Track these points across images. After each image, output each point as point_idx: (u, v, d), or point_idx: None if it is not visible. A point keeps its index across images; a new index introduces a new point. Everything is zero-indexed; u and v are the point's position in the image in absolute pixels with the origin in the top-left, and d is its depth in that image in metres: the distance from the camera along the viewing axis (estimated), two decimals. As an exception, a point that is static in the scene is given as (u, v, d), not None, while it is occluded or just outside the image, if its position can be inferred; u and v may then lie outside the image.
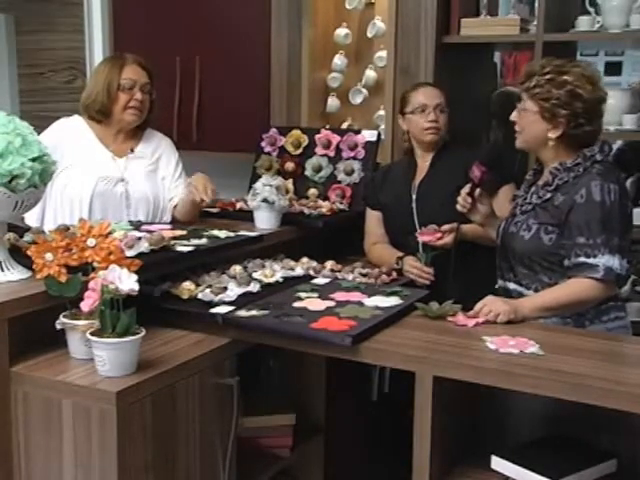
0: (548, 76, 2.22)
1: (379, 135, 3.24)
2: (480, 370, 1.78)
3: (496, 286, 2.42)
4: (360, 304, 2.15)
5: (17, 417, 1.83)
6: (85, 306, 1.79)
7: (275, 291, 2.24)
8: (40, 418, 1.80)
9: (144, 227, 2.46)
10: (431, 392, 1.81)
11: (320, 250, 2.77)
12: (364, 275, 2.60)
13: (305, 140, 3.29)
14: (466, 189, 2.45)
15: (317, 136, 3.28)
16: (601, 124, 2.30)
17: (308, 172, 3.26)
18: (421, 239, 2.67)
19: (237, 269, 2.37)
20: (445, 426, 1.88)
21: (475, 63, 3.56)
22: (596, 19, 3.14)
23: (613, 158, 2.29)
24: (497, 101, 3.75)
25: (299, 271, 2.45)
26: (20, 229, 2.30)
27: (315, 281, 2.39)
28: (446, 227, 2.60)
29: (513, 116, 2.31)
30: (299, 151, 3.29)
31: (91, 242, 1.94)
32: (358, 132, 3.25)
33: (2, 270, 1.96)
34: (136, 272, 1.84)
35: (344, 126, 3.56)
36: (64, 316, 1.86)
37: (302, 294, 2.22)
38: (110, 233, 2.04)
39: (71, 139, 2.76)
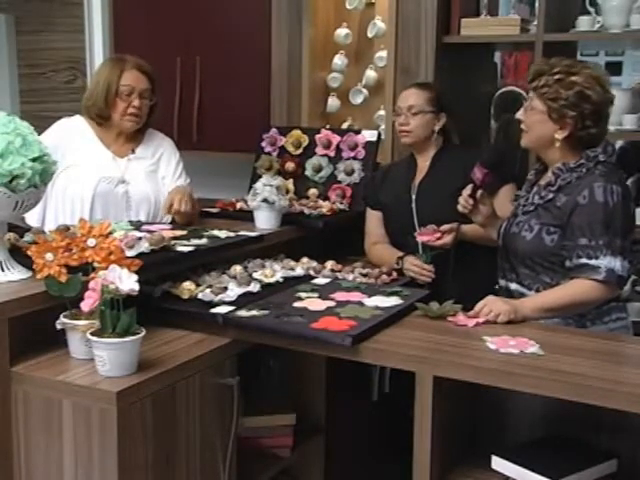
0: (557, 76, 2.20)
1: (379, 135, 3.24)
2: (480, 370, 1.78)
3: (496, 286, 2.42)
4: (360, 304, 2.15)
5: (17, 417, 1.83)
6: (85, 306, 1.79)
7: (275, 291, 2.25)
8: (40, 418, 1.80)
9: (144, 227, 2.46)
10: (431, 392, 1.81)
11: (320, 250, 2.77)
12: (364, 275, 2.60)
13: (305, 140, 3.29)
14: (467, 190, 2.44)
15: (317, 136, 3.28)
16: (607, 126, 2.28)
17: (308, 172, 3.26)
18: (420, 239, 2.66)
19: (237, 269, 2.37)
20: (445, 426, 1.88)
21: (475, 63, 3.56)
22: (596, 19, 3.14)
23: (616, 158, 2.29)
24: (499, 101, 3.74)
25: (299, 271, 2.45)
26: (21, 229, 2.30)
27: (315, 281, 2.39)
28: (445, 227, 2.60)
29: (519, 114, 2.29)
30: (299, 151, 3.30)
31: (91, 242, 1.94)
32: (358, 132, 3.25)
33: (2, 270, 1.96)
34: (136, 272, 1.84)
35: (344, 126, 3.57)
36: (64, 316, 1.85)
37: (302, 294, 2.22)
38: (110, 233, 2.04)
39: (72, 139, 2.75)
